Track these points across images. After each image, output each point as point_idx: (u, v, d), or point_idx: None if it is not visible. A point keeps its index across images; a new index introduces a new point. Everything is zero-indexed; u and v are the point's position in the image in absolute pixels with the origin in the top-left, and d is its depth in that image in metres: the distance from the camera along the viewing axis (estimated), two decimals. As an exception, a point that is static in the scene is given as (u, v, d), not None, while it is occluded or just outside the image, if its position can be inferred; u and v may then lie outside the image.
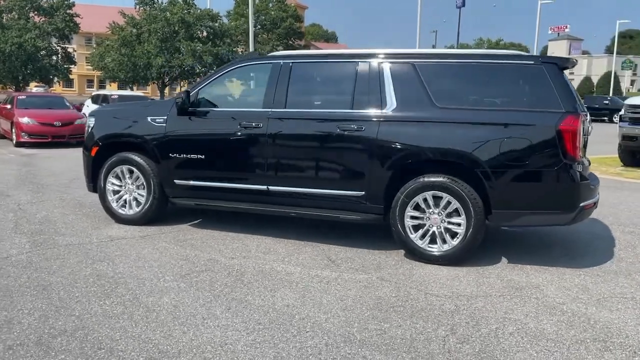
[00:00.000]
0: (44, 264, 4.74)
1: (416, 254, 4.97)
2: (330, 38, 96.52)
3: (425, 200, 4.91)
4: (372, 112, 5.06)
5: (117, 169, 6.08)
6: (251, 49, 23.40)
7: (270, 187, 5.43)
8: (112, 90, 35.61)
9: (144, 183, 5.97)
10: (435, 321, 3.71)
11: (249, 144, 5.48)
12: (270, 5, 48.01)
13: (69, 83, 56.23)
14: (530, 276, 4.67)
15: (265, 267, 4.79)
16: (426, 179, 4.86)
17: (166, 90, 40.80)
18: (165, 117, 5.79)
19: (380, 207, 5.12)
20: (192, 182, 5.75)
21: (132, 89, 42.35)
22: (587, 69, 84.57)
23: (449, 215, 4.86)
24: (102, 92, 19.84)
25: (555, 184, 4.64)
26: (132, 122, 6.08)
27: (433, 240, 4.94)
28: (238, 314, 3.76)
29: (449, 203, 4.83)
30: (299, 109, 5.38)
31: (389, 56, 5.21)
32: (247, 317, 3.72)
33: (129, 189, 6.09)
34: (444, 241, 4.89)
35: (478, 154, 4.70)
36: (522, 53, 5.00)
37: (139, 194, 6.06)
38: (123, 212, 6.13)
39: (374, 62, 5.17)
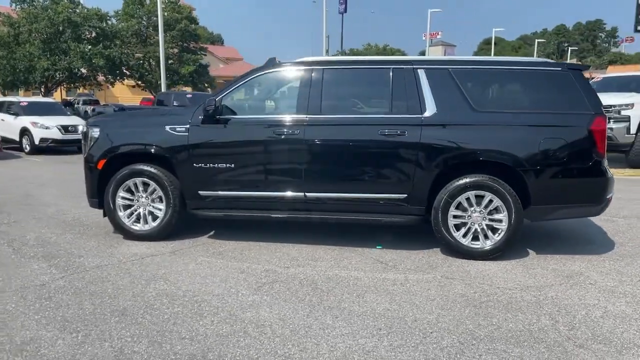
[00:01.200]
0: (93, 288, 4.37)
1: (460, 251, 5.22)
2: (215, 40, 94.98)
3: (467, 199, 5.18)
4: (413, 116, 5.22)
5: (129, 182, 5.69)
6: (161, 52, 22.50)
7: (308, 194, 5.41)
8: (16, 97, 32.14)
9: (162, 196, 5.66)
10: (531, 312, 3.97)
11: (284, 151, 5.41)
12: (163, 6, 46.02)
13: None
14: (566, 265, 5.10)
15: (329, 273, 4.78)
16: (469, 179, 5.13)
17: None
18: (187, 126, 5.53)
19: (421, 208, 5.31)
20: (220, 193, 5.55)
21: (3, 94, 38.64)
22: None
23: (490, 212, 5.17)
24: (7, 98, 17.97)
25: (589, 179, 5.12)
26: (146, 131, 5.72)
27: (474, 238, 5.23)
28: (350, 321, 3.76)
29: (490, 201, 5.14)
30: (336, 114, 5.40)
31: (423, 62, 5.40)
32: (361, 323, 3.73)
33: (143, 203, 5.74)
34: (486, 237, 5.19)
35: (519, 153, 5.05)
36: (549, 60, 5.43)
37: (155, 207, 5.73)
38: (137, 228, 5.76)
39: (410, 68, 5.34)
